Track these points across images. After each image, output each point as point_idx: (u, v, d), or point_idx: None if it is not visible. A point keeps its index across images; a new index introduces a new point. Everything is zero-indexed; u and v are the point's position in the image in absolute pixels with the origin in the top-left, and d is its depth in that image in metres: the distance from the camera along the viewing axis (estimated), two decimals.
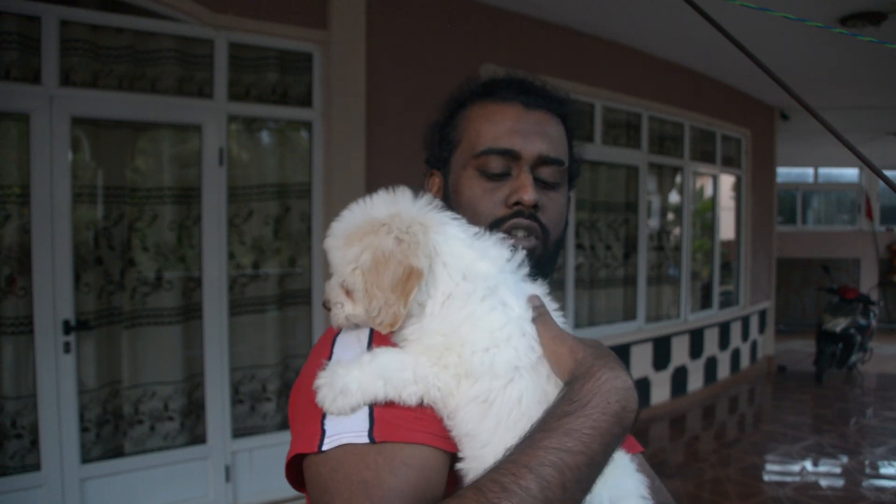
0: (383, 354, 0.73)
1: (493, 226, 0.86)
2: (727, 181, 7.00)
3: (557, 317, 0.78)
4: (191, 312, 3.27)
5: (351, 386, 0.70)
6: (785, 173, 10.53)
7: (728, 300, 7.00)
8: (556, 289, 4.79)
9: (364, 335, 0.79)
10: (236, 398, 3.41)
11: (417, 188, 0.82)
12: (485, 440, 0.70)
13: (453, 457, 0.72)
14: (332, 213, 3.82)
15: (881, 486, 4.20)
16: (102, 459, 3.05)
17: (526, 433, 0.66)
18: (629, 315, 5.58)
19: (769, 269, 7.66)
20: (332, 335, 0.82)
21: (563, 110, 0.95)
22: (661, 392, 5.79)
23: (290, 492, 3.55)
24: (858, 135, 8.20)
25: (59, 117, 2.86)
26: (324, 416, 0.71)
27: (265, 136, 3.55)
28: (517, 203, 0.87)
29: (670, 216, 6.22)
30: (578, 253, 5.13)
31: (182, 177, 3.24)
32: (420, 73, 3.80)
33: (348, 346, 0.79)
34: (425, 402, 0.71)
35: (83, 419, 2.99)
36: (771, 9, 1.00)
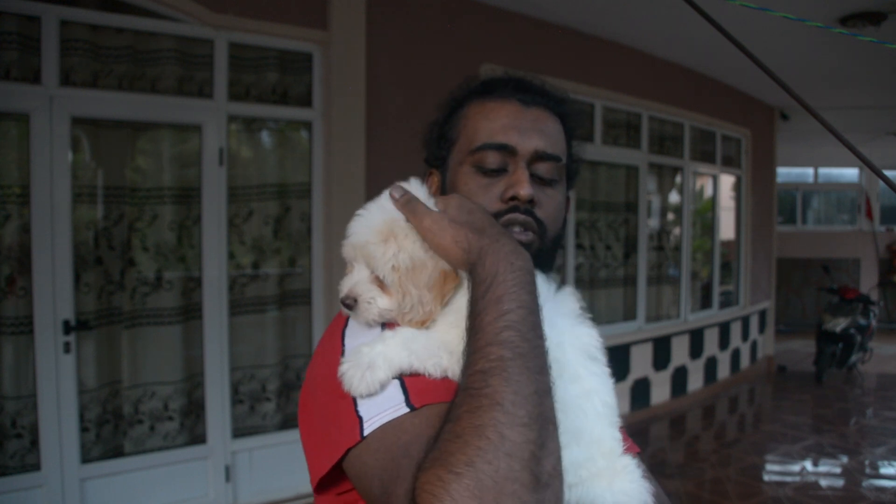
0: (405, 330, 0.74)
1: None
2: (727, 181, 7.00)
3: (425, 198, 0.79)
4: (191, 312, 3.27)
5: (377, 360, 0.70)
6: (785, 173, 10.53)
7: (728, 300, 7.00)
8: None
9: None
10: (236, 398, 3.41)
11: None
12: None
13: None
14: (332, 213, 3.83)
15: (881, 486, 4.20)
16: (102, 459, 3.05)
17: (466, 328, 0.68)
18: (629, 315, 5.58)
19: (769, 269, 7.66)
20: (337, 332, 0.82)
21: (562, 109, 0.95)
22: (661, 392, 5.79)
23: (290, 492, 3.53)
24: (858, 135, 8.20)
25: (59, 117, 2.86)
26: (356, 403, 0.70)
27: (265, 136, 3.55)
28: (513, 198, 0.87)
29: (670, 216, 6.22)
30: (578, 253, 5.13)
31: (182, 177, 3.24)
32: (420, 73, 3.80)
33: (360, 334, 0.78)
34: (450, 375, 0.72)
35: (83, 419, 2.99)
36: (771, 9, 1.00)
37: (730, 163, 6.81)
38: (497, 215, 0.86)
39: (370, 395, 0.69)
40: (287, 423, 3.51)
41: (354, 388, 0.69)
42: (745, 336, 7.06)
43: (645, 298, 5.65)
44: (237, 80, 3.32)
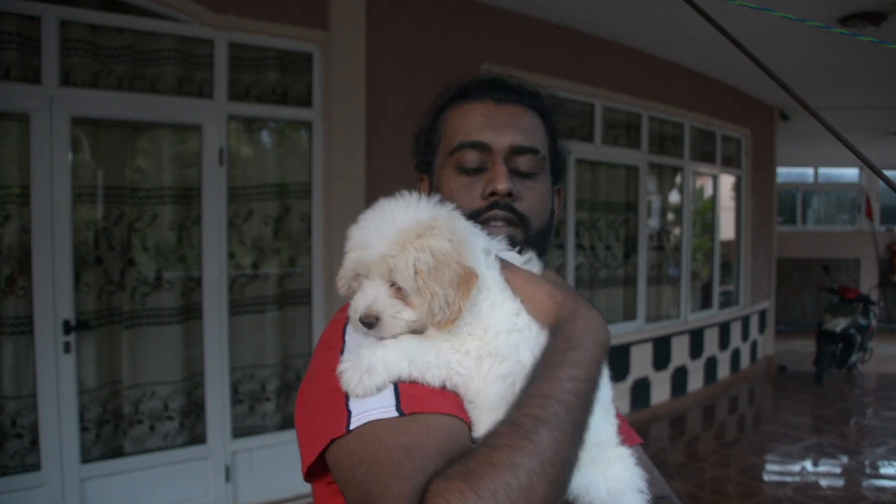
0: (407, 339, 0.75)
1: (471, 218, 0.88)
2: (727, 181, 7.00)
3: (518, 261, 0.83)
4: (191, 312, 3.27)
5: (377, 365, 0.71)
6: (785, 173, 10.53)
7: (728, 300, 7.00)
8: None
9: None
10: (236, 398, 3.41)
11: (414, 188, 0.83)
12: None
13: None
14: (332, 213, 3.83)
15: (881, 486, 4.20)
16: (102, 459, 3.05)
17: (535, 370, 0.71)
18: (629, 315, 5.58)
19: (769, 269, 7.66)
20: (338, 328, 0.83)
21: (538, 104, 0.97)
22: (661, 392, 5.79)
23: (289, 491, 3.53)
24: (858, 135, 8.20)
25: (59, 117, 2.86)
26: (347, 399, 0.72)
27: (265, 136, 3.55)
28: (492, 194, 0.89)
29: (670, 216, 6.22)
30: (578, 253, 5.13)
31: (182, 177, 3.24)
32: (420, 73, 3.80)
33: (361, 335, 0.79)
34: (448, 387, 0.73)
35: (83, 419, 2.99)
36: (771, 9, 1.00)
37: (730, 163, 6.81)
38: (478, 212, 0.89)
39: (365, 396, 0.71)
40: (287, 423, 3.51)
41: (352, 388, 0.71)
42: (745, 336, 7.06)
43: (645, 298, 5.65)
44: (237, 80, 3.32)
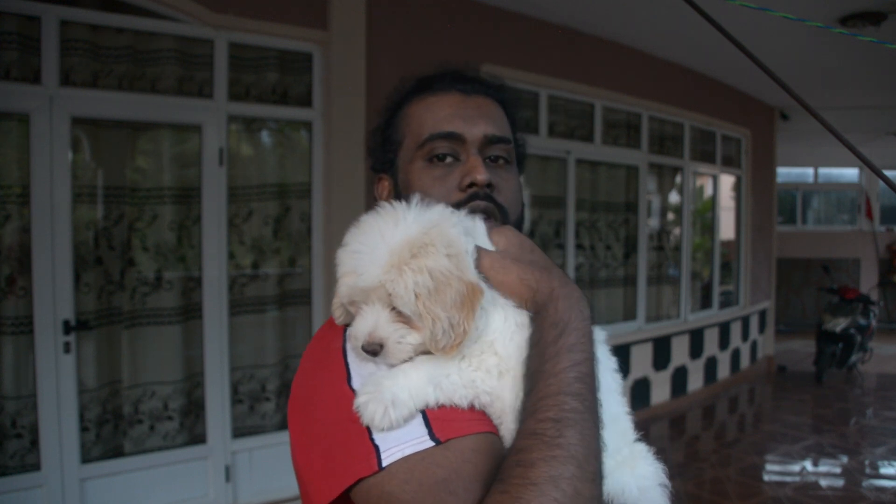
0: (425, 361, 0.70)
1: None
2: (727, 181, 7.00)
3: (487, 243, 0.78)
4: (191, 312, 3.27)
5: (401, 395, 0.67)
6: (785, 173, 10.53)
7: (728, 300, 7.00)
8: None
9: None
10: (236, 398, 3.41)
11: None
12: None
13: None
14: (332, 213, 3.82)
15: (881, 486, 4.20)
16: (102, 459, 3.05)
17: (531, 367, 0.69)
18: (629, 315, 5.58)
19: (769, 269, 7.66)
20: (334, 349, 0.79)
21: (501, 96, 0.97)
22: (661, 392, 5.79)
23: (290, 492, 3.52)
24: (858, 135, 8.20)
25: (59, 117, 2.86)
26: (370, 432, 0.67)
27: (265, 136, 3.55)
28: (471, 185, 0.86)
29: (670, 216, 6.22)
30: (578, 253, 5.13)
31: (182, 177, 3.24)
32: (420, 73, 3.79)
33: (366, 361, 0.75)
34: (476, 407, 0.71)
35: (83, 419, 2.99)
36: (771, 9, 1.00)
37: (730, 163, 6.81)
38: (457, 205, 0.85)
39: (391, 429, 0.67)
40: (287, 423, 3.50)
41: (376, 423, 0.66)
42: (745, 336, 7.06)
43: (645, 298, 5.64)
44: (237, 80, 3.32)
